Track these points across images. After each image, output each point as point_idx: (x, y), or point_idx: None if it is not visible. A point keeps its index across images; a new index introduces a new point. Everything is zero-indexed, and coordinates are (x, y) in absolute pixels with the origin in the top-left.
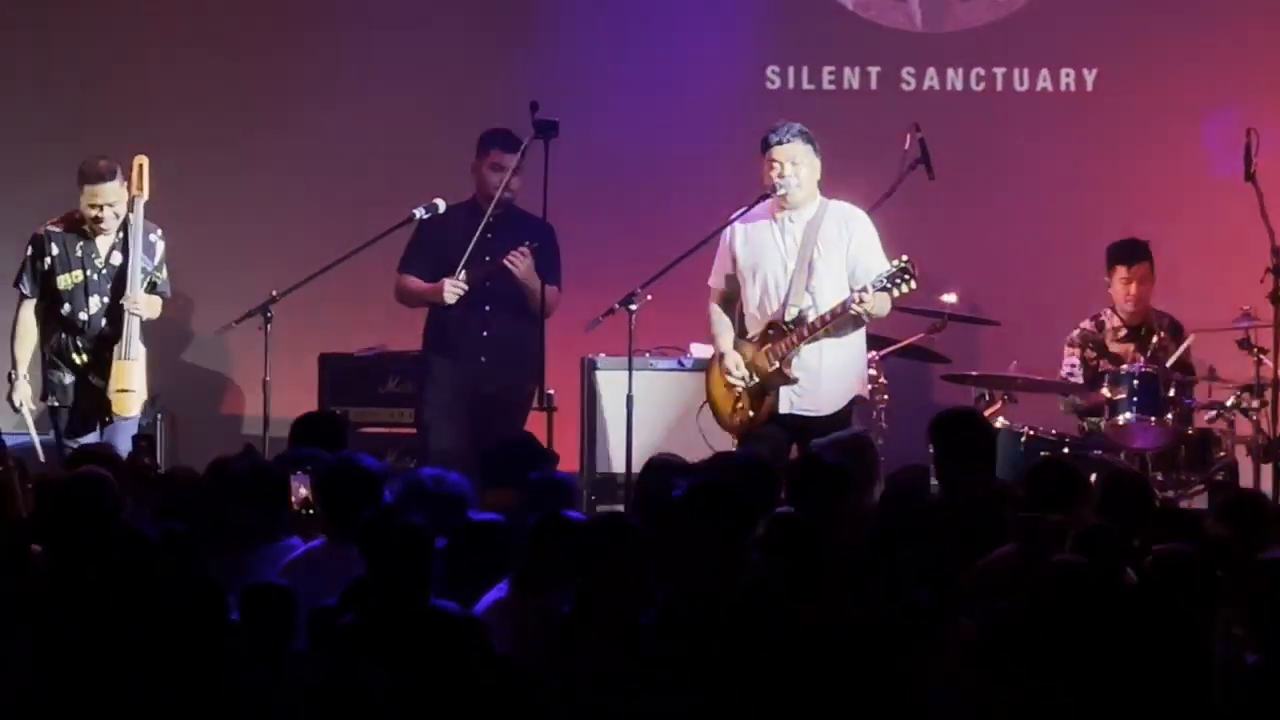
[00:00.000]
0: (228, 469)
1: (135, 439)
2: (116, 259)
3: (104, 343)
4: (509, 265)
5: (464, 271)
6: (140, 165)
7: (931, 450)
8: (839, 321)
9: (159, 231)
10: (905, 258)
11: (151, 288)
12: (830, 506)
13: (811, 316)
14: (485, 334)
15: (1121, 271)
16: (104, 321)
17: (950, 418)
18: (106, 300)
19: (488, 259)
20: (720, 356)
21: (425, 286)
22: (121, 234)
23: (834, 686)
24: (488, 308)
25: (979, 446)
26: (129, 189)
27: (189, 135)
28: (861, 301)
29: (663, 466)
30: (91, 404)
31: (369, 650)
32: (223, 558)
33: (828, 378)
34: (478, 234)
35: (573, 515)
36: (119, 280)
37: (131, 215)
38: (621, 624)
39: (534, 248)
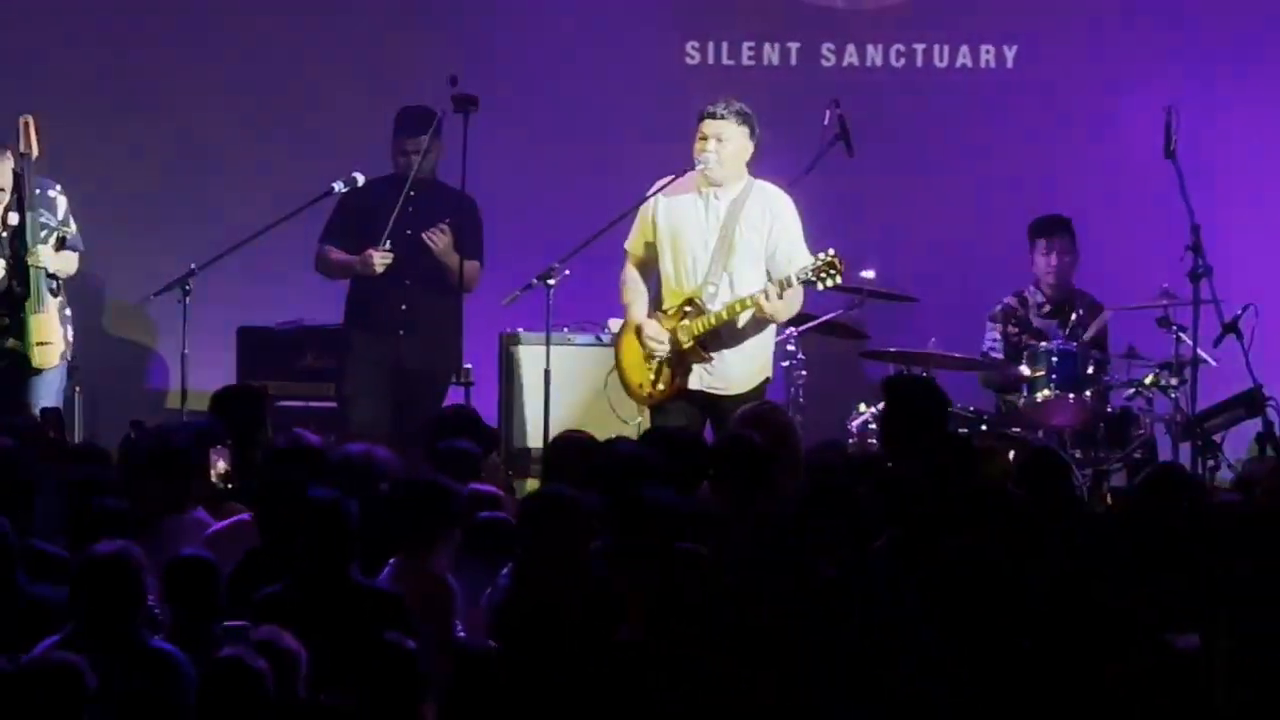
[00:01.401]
0: (130, 443)
1: (44, 412)
2: (14, 219)
3: (15, 303)
4: (428, 241)
5: (389, 241)
6: (26, 124)
7: (882, 408)
8: (751, 311)
9: (57, 187)
10: (832, 251)
11: (61, 243)
12: (755, 485)
13: (728, 298)
14: (404, 308)
15: (1042, 245)
16: (12, 282)
17: (905, 381)
18: (9, 261)
19: (409, 232)
20: (637, 326)
21: (348, 258)
22: (15, 194)
23: (750, 657)
24: (408, 282)
25: (928, 415)
26: (18, 148)
27: (107, 108)
28: (765, 304)
29: (570, 443)
30: (6, 365)
31: (290, 622)
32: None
33: (739, 357)
34: (398, 207)
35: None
36: (19, 239)
37: (24, 174)
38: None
39: (452, 225)
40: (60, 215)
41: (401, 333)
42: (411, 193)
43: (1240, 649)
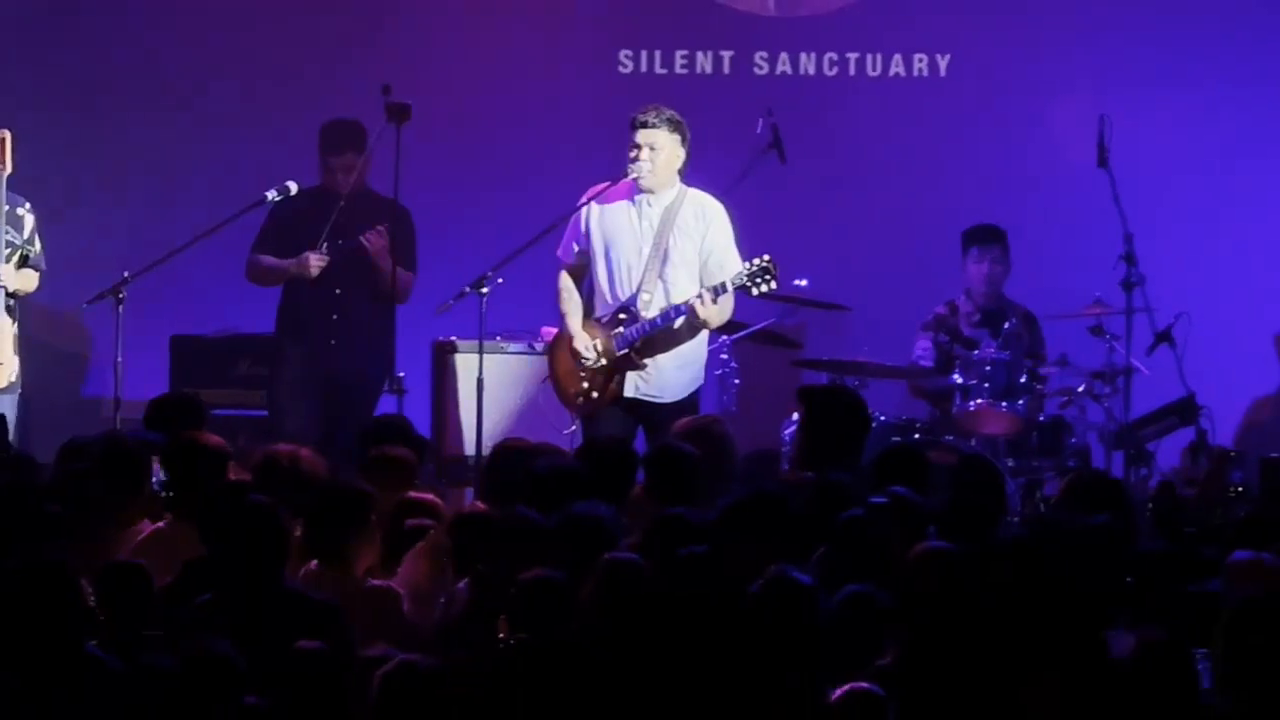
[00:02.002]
0: (80, 452)
1: None
2: None
3: None
4: (364, 243)
5: (326, 244)
6: (3, 140)
7: (798, 419)
8: (685, 318)
9: (27, 205)
10: (767, 257)
11: (24, 261)
12: (688, 494)
13: (663, 305)
14: (336, 316)
15: (975, 253)
16: None
17: (822, 392)
18: None
19: (340, 241)
20: (570, 337)
21: (283, 261)
22: None
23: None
24: (339, 290)
25: (849, 425)
26: None
27: (40, 114)
28: (704, 302)
29: (512, 452)
30: None
31: (226, 630)
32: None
33: (673, 366)
34: (334, 214)
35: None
36: None
37: None
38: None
39: (389, 229)
40: (25, 234)
41: (334, 341)
42: (343, 203)
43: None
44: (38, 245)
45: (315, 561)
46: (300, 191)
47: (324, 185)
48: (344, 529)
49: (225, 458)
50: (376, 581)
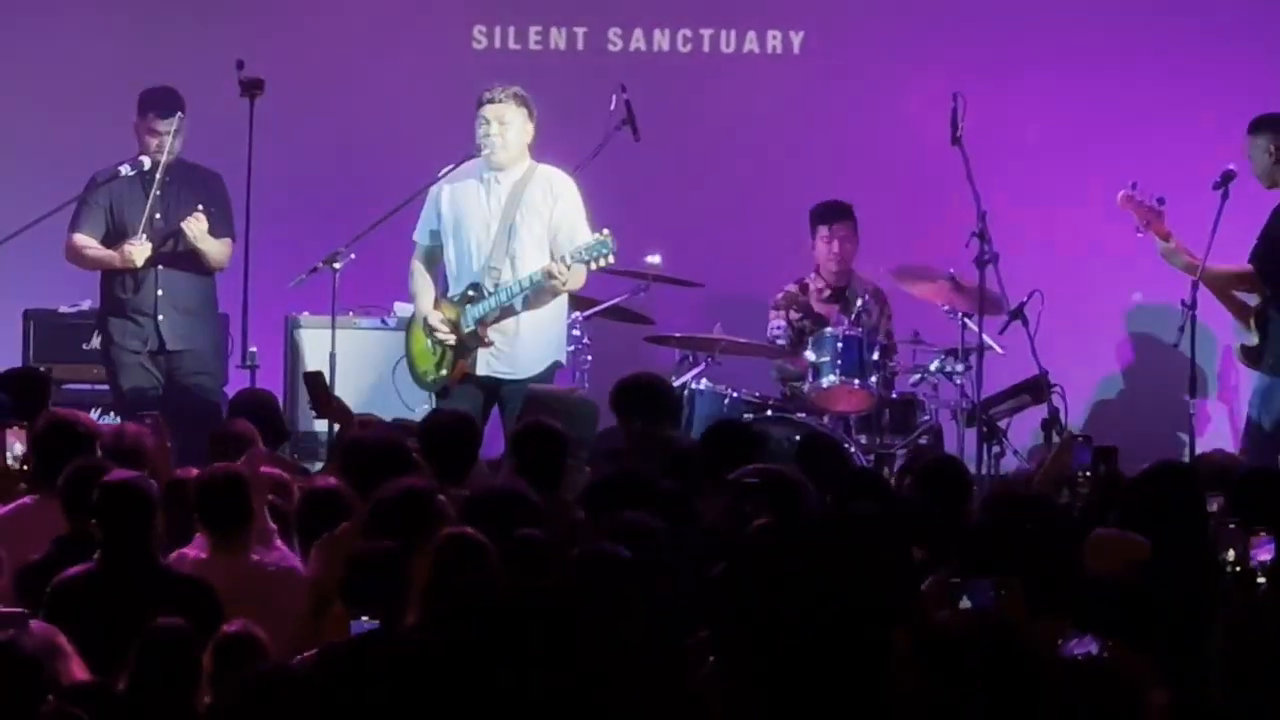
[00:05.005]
0: None
1: None
2: None
3: None
4: (186, 230)
5: (144, 233)
6: None
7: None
8: (537, 288)
9: None
10: (606, 231)
11: None
12: (555, 470)
13: (510, 280)
14: (160, 294)
15: (824, 231)
16: None
17: (631, 382)
18: None
19: (158, 216)
20: (423, 317)
21: (107, 254)
22: None
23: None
24: (161, 267)
25: (663, 409)
26: None
27: None
28: (556, 275)
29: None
30: None
31: (95, 605)
32: None
33: (524, 341)
34: (151, 194)
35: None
36: None
37: None
38: None
39: (208, 212)
40: None
41: (160, 318)
42: (163, 175)
43: None
44: None
45: (204, 550)
46: (112, 170)
47: (141, 155)
48: (232, 513)
49: (93, 438)
50: (272, 563)
